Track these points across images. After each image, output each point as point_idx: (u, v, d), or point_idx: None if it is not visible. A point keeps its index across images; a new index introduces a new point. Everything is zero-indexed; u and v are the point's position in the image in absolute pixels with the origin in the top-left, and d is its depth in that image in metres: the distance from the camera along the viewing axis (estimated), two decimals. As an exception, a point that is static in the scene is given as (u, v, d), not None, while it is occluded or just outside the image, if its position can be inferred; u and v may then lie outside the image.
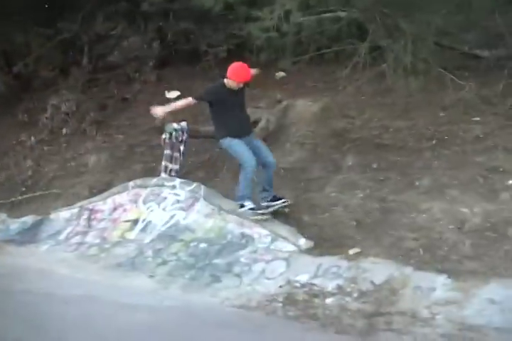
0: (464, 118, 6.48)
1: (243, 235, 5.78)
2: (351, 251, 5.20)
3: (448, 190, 5.63)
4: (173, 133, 7.00)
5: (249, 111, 6.32)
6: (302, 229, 5.72)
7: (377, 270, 4.80)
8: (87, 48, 10.13)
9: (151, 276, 5.61)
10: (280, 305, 4.72)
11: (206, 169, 7.31)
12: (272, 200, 5.86)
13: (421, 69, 6.19)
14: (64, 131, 9.16)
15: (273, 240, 5.59)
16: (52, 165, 8.72)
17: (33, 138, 9.21)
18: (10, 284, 4.38)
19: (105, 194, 7.27)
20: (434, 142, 6.33)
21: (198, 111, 7.31)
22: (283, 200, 5.86)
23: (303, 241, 5.51)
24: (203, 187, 6.55)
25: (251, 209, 5.76)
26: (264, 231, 5.70)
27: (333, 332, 4.13)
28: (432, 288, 4.44)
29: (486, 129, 6.23)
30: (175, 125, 7.05)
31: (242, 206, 5.81)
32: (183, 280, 5.41)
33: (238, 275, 5.28)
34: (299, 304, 4.70)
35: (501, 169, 5.69)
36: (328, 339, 3.92)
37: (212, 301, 4.89)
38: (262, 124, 7.32)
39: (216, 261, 5.56)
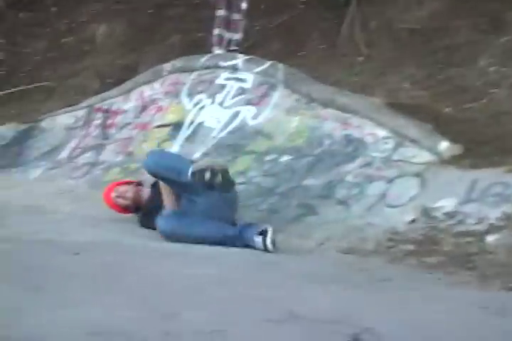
0: None
1: (349, 139, 5.79)
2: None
3: None
4: None
5: None
6: (443, 127, 5.64)
7: None
8: None
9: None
10: (412, 247, 4.72)
11: (285, 38, 7.39)
12: None
13: None
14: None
15: (397, 146, 5.53)
16: (37, 43, 8.87)
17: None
18: None
19: (126, 85, 7.43)
20: None
21: None
22: None
23: (445, 146, 5.41)
24: (281, 66, 6.58)
25: None
26: (383, 132, 5.66)
27: (498, 288, 4.02)
28: None
29: None
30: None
31: None
32: (257, 214, 5.48)
33: (344, 203, 5.30)
34: (442, 245, 4.67)
35: None
36: (491, 299, 3.75)
37: (305, 244, 4.94)
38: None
39: (308, 181, 5.63)
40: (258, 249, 4.55)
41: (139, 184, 5.53)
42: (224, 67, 6.81)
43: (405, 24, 6.76)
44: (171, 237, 4.61)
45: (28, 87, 8.37)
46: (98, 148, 7.03)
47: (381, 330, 2.76)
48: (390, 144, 5.56)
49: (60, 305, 2.75)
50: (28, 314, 2.58)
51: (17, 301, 2.76)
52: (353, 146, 5.71)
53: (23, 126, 7.68)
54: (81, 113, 7.51)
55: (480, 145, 5.41)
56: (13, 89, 8.39)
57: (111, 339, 2.39)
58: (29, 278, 3.18)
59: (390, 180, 5.29)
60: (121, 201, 5.44)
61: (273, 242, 4.57)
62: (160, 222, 4.73)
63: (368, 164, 5.51)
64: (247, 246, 4.61)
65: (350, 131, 5.80)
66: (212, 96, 6.73)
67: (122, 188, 5.48)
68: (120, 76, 7.75)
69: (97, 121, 7.32)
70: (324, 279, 3.83)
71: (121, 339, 2.39)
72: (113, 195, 5.46)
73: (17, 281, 3.09)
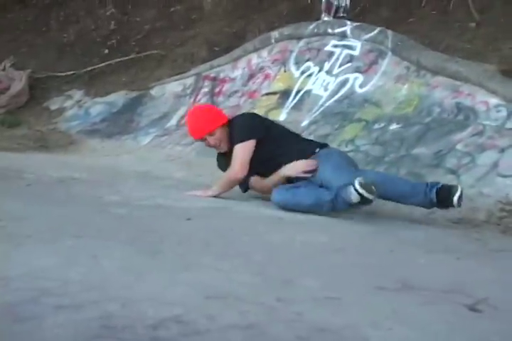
0: None
1: (460, 107, 5.72)
2: None
3: None
4: None
5: None
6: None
7: None
8: None
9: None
10: None
11: (394, 4, 7.28)
12: None
13: None
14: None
15: (510, 114, 5.44)
16: (146, 12, 8.94)
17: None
18: (102, 195, 4.63)
19: (234, 53, 7.50)
20: None
21: None
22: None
23: (561, 114, 5.33)
24: (390, 33, 6.54)
25: None
26: (495, 100, 5.57)
27: None
28: None
29: None
30: None
31: None
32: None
33: (454, 173, 5.25)
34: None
35: None
36: None
37: (415, 212, 4.86)
38: None
39: (417, 150, 5.59)
40: (357, 204, 4.31)
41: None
42: (332, 34, 6.79)
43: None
44: (284, 208, 4.58)
45: (138, 55, 8.48)
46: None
47: (497, 300, 2.72)
48: (503, 112, 5.47)
49: (177, 268, 2.81)
50: (147, 276, 2.64)
51: (136, 264, 2.82)
52: (464, 115, 5.63)
53: (133, 94, 7.83)
54: (189, 81, 7.60)
55: None
56: (123, 58, 8.52)
57: (227, 303, 2.42)
58: (146, 242, 3.25)
59: (502, 150, 5.21)
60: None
61: (369, 190, 4.21)
62: (274, 193, 4.69)
63: (479, 133, 5.45)
64: (351, 205, 4.38)
65: (461, 99, 5.73)
66: (320, 63, 6.72)
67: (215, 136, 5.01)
68: (228, 44, 7.77)
69: (205, 89, 7.39)
70: (436, 248, 3.79)
71: (237, 304, 2.42)
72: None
73: (134, 245, 3.16)
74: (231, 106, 7.01)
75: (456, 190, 4.39)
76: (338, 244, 3.70)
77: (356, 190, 4.20)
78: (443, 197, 4.41)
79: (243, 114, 5.37)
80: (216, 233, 3.67)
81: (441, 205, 4.48)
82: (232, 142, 4.94)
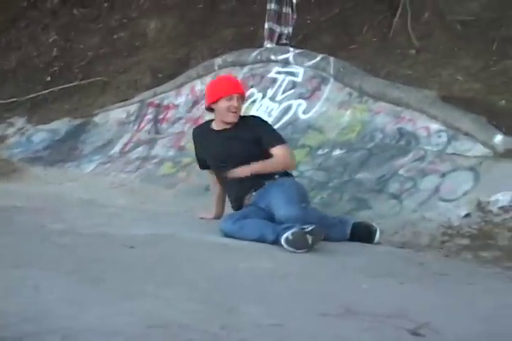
0: None
1: (401, 133, 5.77)
2: None
3: None
4: None
5: None
6: (497, 120, 5.59)
7: None
8: None
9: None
10: (467, 242, 4.68)
11: (336, 31, 7.37)
12: None
13: None
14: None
15: (451, 139, 5.50)
16: (89, 39, 8.89)
17: (54, -4, 9.37)
18: (45, 224, 4.58)
19: (178, 80, 7.50)
20: None
21: None
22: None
23: (499, 139, 5.33)
24: (332, 59, 6.58)
25: None
26: (436, 126, 5.63)
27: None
28: None
29: None
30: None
31: None
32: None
33: (397, 197, 5.27)
34: (498, 239, 4.64)
35: None
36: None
37: None
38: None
39: (360, 175, 5.61)
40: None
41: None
42: (275, 61, 6.83)
43: (458, 15, 6.66)
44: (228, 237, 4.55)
45: (82, 82, 8.46)
46: (150, 142, 7.09)
47: (439, 325, 2.75)
48: (444, 138, 5.53)
49: (120, 297, 2.79)
50: (89, 306, 2.62)
51: (78, 294, 2.80)
52: (406, 140, 5.68)
53: (76, 121, 7.79)
54: (133, 108, 7.59)
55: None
56: (66, 85, 8.48)
57: (170, 331, 2.41)
58: (88, 271, 3.23)
59: (444, 174, 5.26)
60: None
61: (298, 244, 4.16)
62: (222, 223, 4.67)
63: (421, 158, 5.48)
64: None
65: (403, 125, 5.78)
66: (263, 90, 6.75)
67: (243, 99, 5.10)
68: (172, 70, 7.78)
69: (149, 116, 7.38)
70: (380, 273, 3.81)
71: (180, 332, 2.41)
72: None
73: (77, 274, 3.13)
74: (176, 132, 7.02)
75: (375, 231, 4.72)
76: (282, 270, 3.70)
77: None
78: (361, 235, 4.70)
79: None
80: (160, 261, 3.65)
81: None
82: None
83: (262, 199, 4.75)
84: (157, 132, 7.13)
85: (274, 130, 5.12)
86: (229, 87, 5.00)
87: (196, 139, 5.21)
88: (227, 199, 5.09)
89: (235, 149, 4.89)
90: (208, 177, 5.27)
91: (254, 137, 4.88)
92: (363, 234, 4.77)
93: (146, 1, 8.83)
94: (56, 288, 2.84)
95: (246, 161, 4.79)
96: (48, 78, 8.82)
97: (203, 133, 5.15)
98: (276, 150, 4.85)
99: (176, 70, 7.67)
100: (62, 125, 7.91)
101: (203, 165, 5.20)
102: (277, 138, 4.95)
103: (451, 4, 6.74)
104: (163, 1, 8.76)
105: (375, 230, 4.76)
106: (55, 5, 9.34)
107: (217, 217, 5.12)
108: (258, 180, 4.79)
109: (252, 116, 5.56)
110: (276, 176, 4.85)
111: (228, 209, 5.04)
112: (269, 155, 4.84)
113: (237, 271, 3.55)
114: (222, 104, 4.91)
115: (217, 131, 5.03)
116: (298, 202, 4.57)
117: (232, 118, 4.95)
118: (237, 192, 4.90)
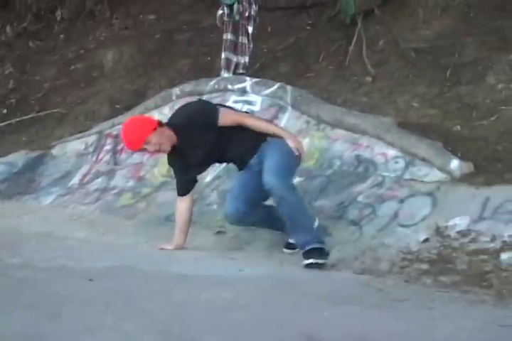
0: None
1: (359, 160, 5.79)
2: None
3: None
4: (235, 4, 7.01)
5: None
6: (453, 145, 5.66)
7: None
8: None
9: (220, 232, 5.67)
10: (426, 266, 4.69)
11: (293, 59, 7.36)
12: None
13: None
14: (58, 14, 9.14)
15: (408, 165, 5.54)
16: (46, 71, 8.88)
17: (8, 29, 9.28)
18: (2, 258, 4.57)
19: (135, 110, 7.45)
20: None
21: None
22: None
23: (456, 164, 5.39)
24: (289, 88, 6.59)
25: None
26: (393, 152, 5.67)
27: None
28: None
29: None
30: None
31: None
32: (269, 236, 5.46)
33: (356, 224, 5.28)
34: (457, 264, 4.65)
35: None
36: (510, 317, 3.70)
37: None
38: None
39: (320, 202, 5.61)
40: None
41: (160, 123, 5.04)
42: (232, 90, 6.82)
43: (412, 43, 6.73)
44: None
45: (39, 114, 8.40)
46: (109, 173, 7.03)
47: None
48: (401, 163, 5.55)
49: (77, 331, 2.77)
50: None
51: (37, 328, 2.77)
52: (364, 167, 5.70)
53: (34, 154, 7.71)
54: (91, 139, 7.53)
55: (491, 163, 5.41)
56: (23, 117, 8.42)
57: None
58: (46, 305, 3.19)
59: (402, 200, 5.28)
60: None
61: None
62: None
63: (379, 184, 5.50)
64: None
65: (361, 152, 5.80)
66: (222, 118, 6.74)
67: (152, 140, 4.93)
68: (129, 101, 7.75)
69: (108, 147, 7.32)
70: (340, 300, 3.81)
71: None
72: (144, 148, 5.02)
73: (34, 308, 3.10)
74: (134, 163, 6.97)
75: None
76: (243, 299, 3.69)
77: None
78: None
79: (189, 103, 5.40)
80: (119, 293, 3.62)
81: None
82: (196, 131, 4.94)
83: (257, 161, 4.97)
84: (116, 163, 7.09)
85: (202, 110, 5.10)
86: (128, 146, 5.17)
87: (171, 163, 5.26)
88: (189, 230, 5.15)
89: (208, 141, 4.97)
90: (178, 205, 5.26)
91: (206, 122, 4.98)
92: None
93: (103, 32, 8.82)
94: (12, 323, 2.81)
95: (224, 144, 4.98)
96: (5, 111, 8.76)
97: (172, 153, 5.15)
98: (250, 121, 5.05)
99: (134, 101, 7.65)
100: (19, 157, 7.84)
101: (185, 187, 5.22)
102: (214, 116, 4.96)
103: (405, 32, 6.81)
104: (120, 31, 8.75)
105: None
106: (10, 37, 9.30)
107: (178, 247, 5.12)
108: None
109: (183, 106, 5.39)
110: (268, 138, 5.00)
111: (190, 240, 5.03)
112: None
113: (197, 302, 3.54)
114: None
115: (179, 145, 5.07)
116: (284, 177, 4.81)
117: (164, 153, 5.13)
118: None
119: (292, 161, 4.98)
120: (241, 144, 5.00)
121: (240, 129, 4.96)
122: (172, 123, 5.04)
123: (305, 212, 4.84)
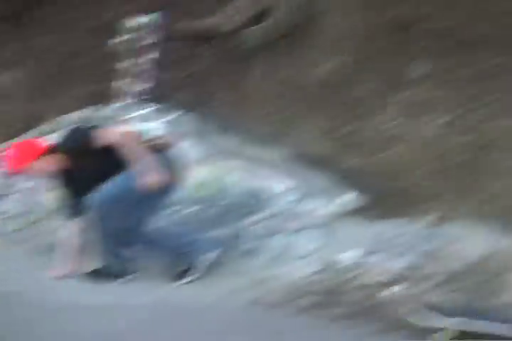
0: None
1: (256, 190, 5.79)
2: (428, 212, 5.21)
3: None
4: (137, 32, 7.09)
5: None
6: (348, 178, 5.76)
7: (470, 240, 4.85)
8: None
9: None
10: (318, 298, 4.73)
11: (195, 88, 7.32)
12: None
13: None
14: None
15: (303, 197, 5.60)
16: None
17: None
18: None
19: (29, 134, 7.30)
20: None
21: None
22: None
23: (350, 197, 5.52)
24: (191, 116, 6.70)
25: None
26: (289, 183, 5.72)
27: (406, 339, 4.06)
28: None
29: None
30: (142, 19, 7.13)
31: None
32: (164, 266, 5.43)
33: (249, 254, 5.33)
34: (348, 296, 4.73)
35: None
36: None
37: (212, 295, 4.88)
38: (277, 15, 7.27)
39: (214, 233, 5.59)
40: None
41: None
42: (133, 117, 6.77)
43: (312, 76, 6.80)
44: None
45: None
46: (1, 197, 6.88)
47: None
48: (296, 195, 5.61)
49: None
50: None
51: None
52: (259, 197, 5.71)
53: None
54: (-19, 163, 7.36)
55: (385, 197, 5.52)
56: None
57: None
58: None
59: (295, 232, 5.34)
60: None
61: None
62: None
63: (273, 215, 5.54)
64: None
65: (257, 182, 5.81)
66: (120, 145, 6.68)
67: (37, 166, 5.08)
68: (24, 125, 7.62)
69: (0, 170, 7.17)
70: (228, 332, 3.81)
71: None
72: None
73: None
74: (27, 187, 6.78)
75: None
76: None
77: None
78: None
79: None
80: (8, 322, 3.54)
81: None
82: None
83: None
84: (8, 187, 6.94)
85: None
86: (11, 169, 5.24)
87: (62, 186, 5.30)
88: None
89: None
90: (70, 229, 5.24)
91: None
92: None
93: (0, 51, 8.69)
94: None
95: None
96: None
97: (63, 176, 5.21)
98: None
99: (29, 125, 7.51)
100: None
101: (76, 210, 5.21)
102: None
103: (304, 66, 6.83)
104: (15, 56, 8.62)
105: None
106: None
107: (73, 273, 5.05)
108: None
109: None
110: None
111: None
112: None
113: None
114: None
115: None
116: None
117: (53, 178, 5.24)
118: None
119: None
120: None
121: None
122: (61, 148, 5.05)
123: None
